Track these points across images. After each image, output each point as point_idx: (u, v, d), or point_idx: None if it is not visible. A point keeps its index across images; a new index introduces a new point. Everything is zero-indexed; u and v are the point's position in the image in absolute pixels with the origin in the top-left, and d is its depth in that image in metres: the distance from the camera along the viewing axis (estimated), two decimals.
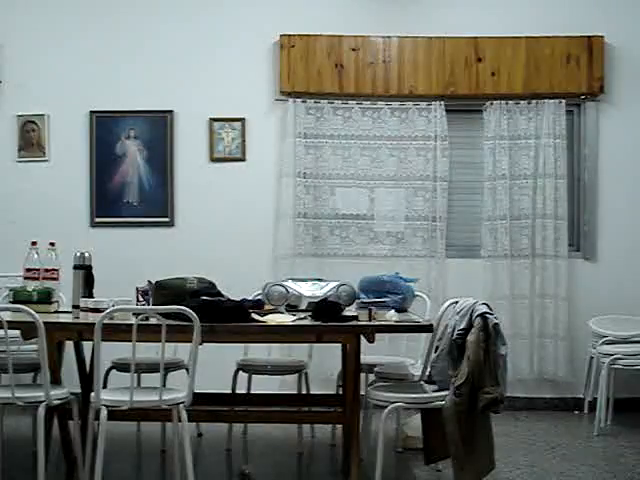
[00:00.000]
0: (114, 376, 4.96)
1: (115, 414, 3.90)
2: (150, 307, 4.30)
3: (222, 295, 4.36)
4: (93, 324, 3.81)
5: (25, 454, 4.72)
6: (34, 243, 4.60)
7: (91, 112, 6.42)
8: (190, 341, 3.88)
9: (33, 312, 3.89)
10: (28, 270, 4.58)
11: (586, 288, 6.42)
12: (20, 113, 6.44)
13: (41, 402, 3.97)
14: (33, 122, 6.44)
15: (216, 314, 4.09)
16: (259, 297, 4.62)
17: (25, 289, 4.51)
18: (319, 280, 4.83)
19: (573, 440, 5.52)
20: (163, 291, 4.38)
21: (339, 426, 4.89)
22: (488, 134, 6.38)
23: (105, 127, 6.44)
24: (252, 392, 5.21)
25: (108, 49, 6.45)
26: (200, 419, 4.98)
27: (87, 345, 4.45)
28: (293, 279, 4.86)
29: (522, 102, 6.41)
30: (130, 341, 3.78)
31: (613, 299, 6.29)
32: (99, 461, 3.78)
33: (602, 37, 6.37)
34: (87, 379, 4.70)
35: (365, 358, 4.60)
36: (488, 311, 4.09)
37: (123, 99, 6.42)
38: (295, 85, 6.40)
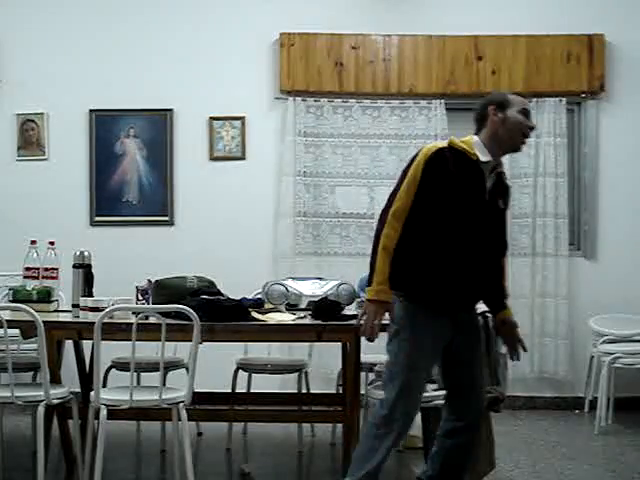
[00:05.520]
0: (114, 375, 4.96)
1: (115, 413, 3.90)
2: (150, 306, 4.30)
3: (222, 294, 4.36)
4: (93, 323, 3.81)
5: (25, 453, 4.72)
6: (34, 242, 4.60)
7: (90, 111, 6.42)
8: (190, 340, 3.88)
9: (33, 311, 3.89)
10: (28, 269, 4.58)
11: (586, 287, 6.41)
12: (19, 112, 6.43)
13: (41, 401, 3.97)
14: (32, 121, 6.43)
15: (216, 313, 4.09)
16: (259, 296, 4.62)
17: (25, 288, 4.51)
18: (319, 279, 4.82)
19: (573, 439, 5.52)
20: (163, 290, 4.38)
21: (339, 425, 4.88)
22: None
23: (105, 126, 6.43)
24: (252, 391, 5.21)
25: (108, 48, 6.44)
26: (200, 418, 4.98)
27: (87, 344, 4.45)
28: (293, 278, 4.86)
29: None
30: (130, 340, 3.78)
31: (613, 298, 6.28)
32: (99, 460, 3.78)
33: (602, 35, 6.37)
34: (87, 378, 4.70)
35: (365, 357, 4.60)
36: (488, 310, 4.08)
37: (123, 98, 6.41)
38: (295, 84, 6.39)
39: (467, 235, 3.44)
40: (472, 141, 3.53)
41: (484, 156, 3.48)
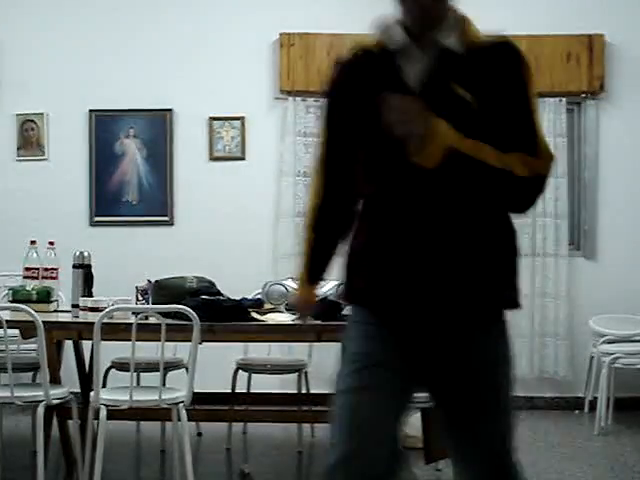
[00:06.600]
0: (113, 375, 4.95)
1: (114, 413, 3.90)
2: (150, 306, 4.30)
3: (221, 294, 4.36)
4: (92, 323, 3.81)
5: (24, 454, 4.71)
6: (33, 242, 4.61)
7: (90, 111, 6.42)
8: (190, 340, 3.88)
9: (32, 311, 3.89)
10: (27, 269, 4.58)
11: (586, 287, 6.41)
12: (19, 112, 6.43)
13: (40, 402, 3.97)
14: (32, 121, 6.43)
15: (216, 313, 4.09)
16: (259, 296, 4.61)
17: (24, 288, 4.51)
18: None
19: (573, 439, 5.51)
20: (162, 290, 4.38)
21: None
22: None
23: (104, 126, 6.43)
24: (252, 391, 5.21)
25: (107, 48, 6.44)
26: (200, 418, 4.98)
27: (86, 344, 4.45)
28: (293, 278, 4.85)
29: None
30: (129, 340, 3.78)
31: (613, 298, 6.28)
32: (98, 461, 3.78)
33: (603, 36, 6.37)
34: (86, 378, 4.70)
35: None
36: None
37: (122, 98, 6.41)
38: (295, 84, 6.39)
39: (399, 180, 2.13)
40: (385, 28, 2.25)
41: (394, 42, 2.21)
